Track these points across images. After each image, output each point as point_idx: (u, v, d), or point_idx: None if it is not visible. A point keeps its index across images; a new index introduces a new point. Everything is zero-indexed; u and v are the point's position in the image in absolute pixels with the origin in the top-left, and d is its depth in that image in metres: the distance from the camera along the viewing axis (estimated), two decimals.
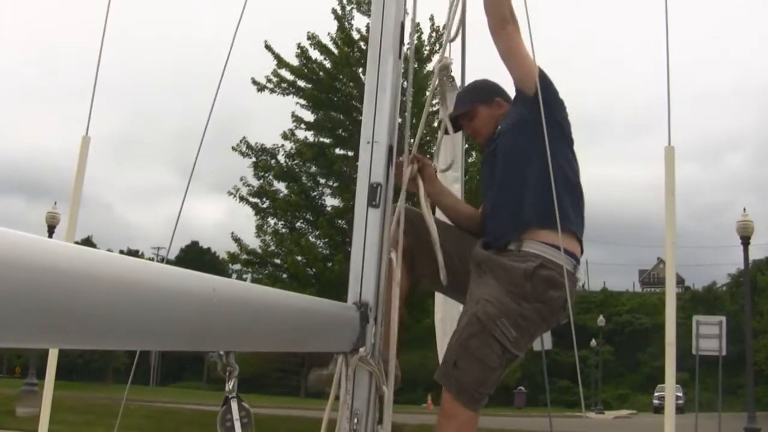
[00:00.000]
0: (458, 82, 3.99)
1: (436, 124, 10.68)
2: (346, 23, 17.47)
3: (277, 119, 18.29)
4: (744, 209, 21.20)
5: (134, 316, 1.16)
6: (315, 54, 17.57)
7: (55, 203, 23.19)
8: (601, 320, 51.26)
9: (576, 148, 3.04)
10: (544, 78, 2.95)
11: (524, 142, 2.92)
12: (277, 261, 17.71)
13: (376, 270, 2.30)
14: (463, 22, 3.13)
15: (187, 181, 3.73)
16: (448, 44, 2.99)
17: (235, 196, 17.49)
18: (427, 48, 17.27)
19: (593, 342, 50.23)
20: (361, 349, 2.15)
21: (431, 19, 16.98)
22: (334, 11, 17.51)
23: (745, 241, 20.62)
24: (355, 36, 17.33)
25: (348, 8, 17.51)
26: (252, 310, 1.52)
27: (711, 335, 17.99)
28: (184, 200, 3.70)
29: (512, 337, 2.69)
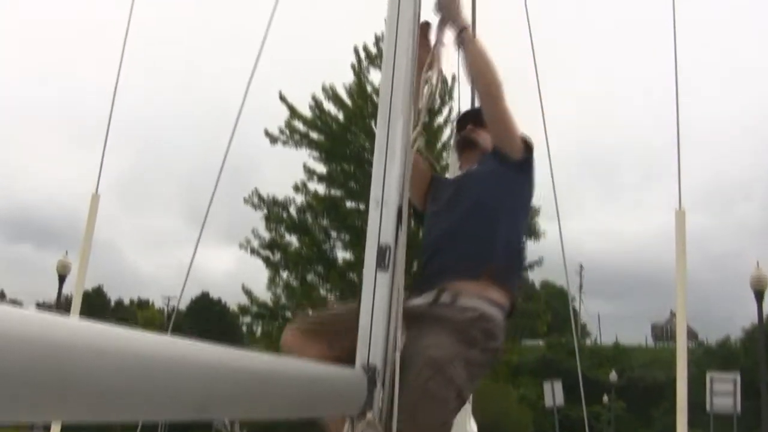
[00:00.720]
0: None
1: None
2: (362, 77, 17.63)
3: (290, 170, 18.40)
4: (758, 263, 21.03)
5: (139, 388, 1.15)
6: (329, 106, 17.72)
7: (66, 252, 23.30)
8: (613, 376, 50.65)
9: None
10: (530, 148, 3.02)
11: (495, 196, 2.97)
12: (288, 314, 17.66)
13: (384, 333, 2.28)
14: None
15: (199, 231, 3.74)
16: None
17: (246, 248, 17.53)
18: (438, 99, 17.41)
19: (605, 398, 49.60)
20: (369, 414, 2.12)
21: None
22: (352, 66, 17.68)
23: (759, 295, 20.43)
24: (369, 89, 17.49)
25: (365, 63, 17.69)
26: (258, 379, 1.51)
27: (725, 392, 17.75)
28: (195, 251, 3.70)
29: (464, 381, 2.68)
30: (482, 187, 3.00)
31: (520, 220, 3.05)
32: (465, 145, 3.29)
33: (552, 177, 3.81)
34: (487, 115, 2.99)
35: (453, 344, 2.69)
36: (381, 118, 2.45)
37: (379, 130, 2.44)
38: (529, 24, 3.30)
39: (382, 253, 2.33)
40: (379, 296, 2.30)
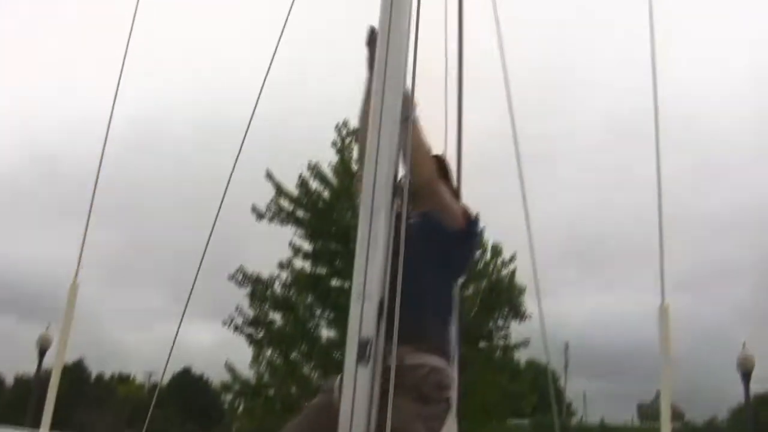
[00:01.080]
0: None
1: None
2: (345, 154, 17.75)
3: (275, 247, 18.37)
4: (744, 343, 20.99)
5: None
6: (315, 184, 17.78)
7: (48, 326, 23.06)
8: None
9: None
10: (473, 224, 3.27)
11: (435, 257, 3.12)
12: (271, 392, 17.43)
13: (365, 428, 2.25)
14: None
15: (183, 308, 3.71)
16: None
17: (229, 326, 17.36)
18: None
19: None
20: None
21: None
22: (334, 143, 17.83)
23: (746, 377, 20.34)
24: (355, 167, 17.58)
25: (347, 140, 17.82)
26: None
27: None
28: (179, 329, 3.66)
29: None
30: (426, 248, 3.06)
31: (452, 281, 3.33)
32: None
33: (533, 258, 3.82)
34: (431, 202, 3.14)
35: (409, 405, 2.75)
36: (363, 212, 2.45)
37: (361, 223, 2.44)
38: (512, 114, 3.33)
39: (362, 346, 2.31)
40: (359, 390, 2.27)
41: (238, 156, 3.87)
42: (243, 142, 3.85)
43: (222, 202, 3.74)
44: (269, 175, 17.60)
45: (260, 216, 17.52)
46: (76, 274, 3.27)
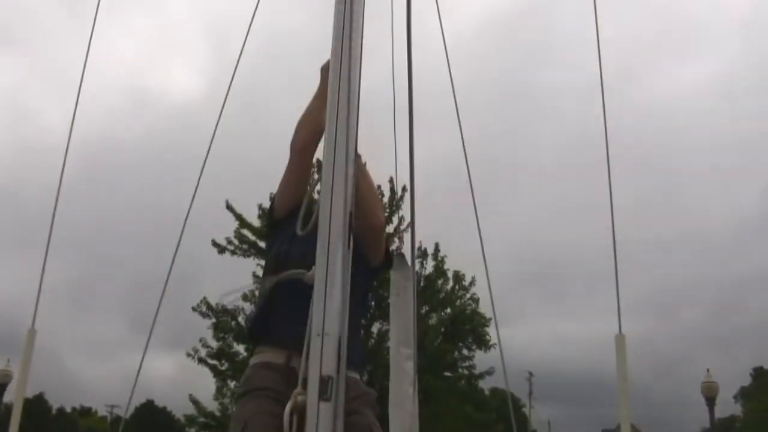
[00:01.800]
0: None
1: None
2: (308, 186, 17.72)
3: (238, 279, 18.27)
4: (708, 369, 21.20)
5: None
6: None
7: (8, 360, 22.75)
8: None
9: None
10: (390, 259, 3.46)
11: (360, 291, 3.16)
12: None
13: None
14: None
15: (147, 340, 3.69)
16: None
17: (194, 357, 17.21)
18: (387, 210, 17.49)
19: None
20: None
21: (390, 181, 17.09)
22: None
23: (710, 402, 20.54)
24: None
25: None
26: None
27: None
28: (142, 361, 3.63)
29: None
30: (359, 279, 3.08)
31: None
32: None
33: (490, 289, 3.85)
34: (375, 239, 3.26)
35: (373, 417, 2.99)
36: (320, 250, 2.45)
37: (318, 260, 2.44)
38: (463, 141, 3.38)
39: (324, 384, 2.30)
40: (322, 429, 2.26)
41: (197, 187, 3.86)
42: (201, 173, 3.84)
43: (182, 232, 3.73)
44: (229, 207, 17.54)
45: (221, 250, 17.43)
46: (34, 320, 3.23)
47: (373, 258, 3.29)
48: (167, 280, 3.62)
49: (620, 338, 2.95)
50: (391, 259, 3.49)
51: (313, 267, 2.50)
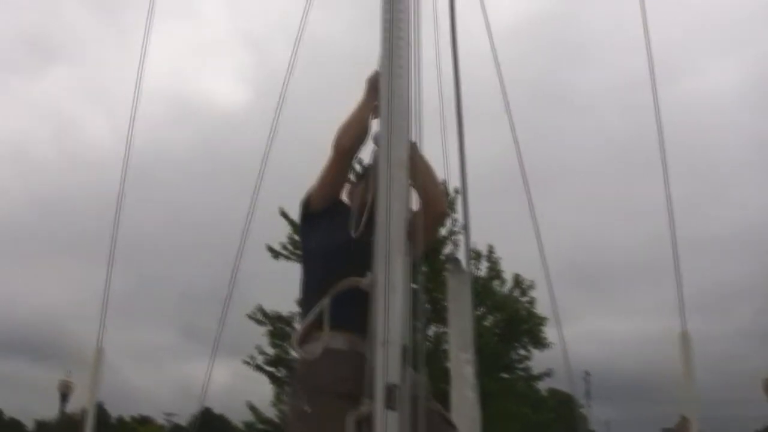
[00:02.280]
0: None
1: None
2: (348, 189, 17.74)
3: (293, 285, 18.31)
4: None
5: None
6: None
7: (70, 372, 23.20)
8: None
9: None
10: None
11: None
12: None
13: None
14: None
15: (213, 348, 3.72)
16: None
17: (251, 365, 17.33)
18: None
19: None
20: None
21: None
22: (349, 180, 17.83)
23: None
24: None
25: None
26: None
27: None
28: (210, 370, 3.65)
29: None
30: None
31: None
32: None
33: (550, 289, 3.83)
34: (437, 222, 3.33)
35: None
36: (379, 257, 2.47)
37: (378, 269, 2.45)
38: (516, 142, 3.37)
39: (389, 392, 2.31)
40: None
41: (255, 197, 3.89)
42: (259, 182, 3.87)
43: (243, 241, 3.77)
44: (284, 214, 17.62)
45: (276, 255, 17.52)
46: (100, 338, 3.29)
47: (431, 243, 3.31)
48: (231, 288, 3.66)
49: (685, 336, 2.91)
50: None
51: (369, 274, 2.53)
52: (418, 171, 3.10)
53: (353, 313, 2.86)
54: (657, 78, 3.70)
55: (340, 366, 2.93)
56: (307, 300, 3.26)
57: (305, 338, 3.06)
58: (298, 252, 18.02)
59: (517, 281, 18.33)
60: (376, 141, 2.94)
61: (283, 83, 3.77)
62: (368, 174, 3.16)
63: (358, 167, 4.09)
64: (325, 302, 2.92)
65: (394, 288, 2.41)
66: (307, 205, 3.50)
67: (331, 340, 2.96)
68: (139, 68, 4.07)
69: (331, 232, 3.30)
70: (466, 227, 3.34)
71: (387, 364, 2.34)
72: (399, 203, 2.53)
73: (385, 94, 2.70)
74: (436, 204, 3.24)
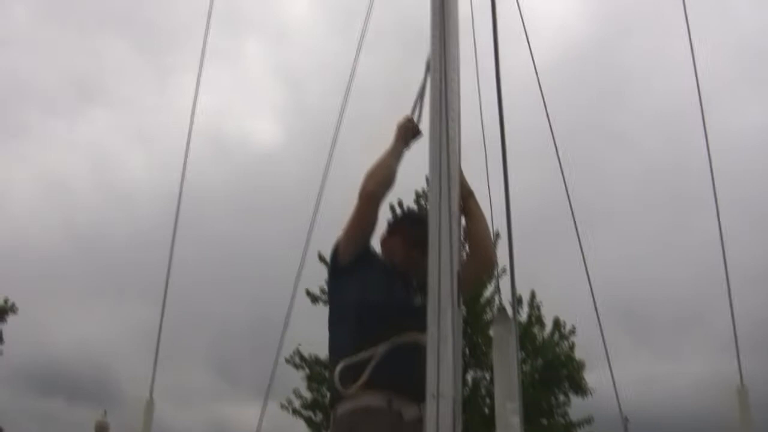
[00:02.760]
0: None
1: None
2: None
3: None
4: None
5: None
6: None
7: (105, 412, 23.31)
8: None
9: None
10: None
11: None
12: None
13: None
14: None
15: (265, 395, 3.71)
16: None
17: (287, 408, 17.25)
18: None
19: None
20: None
21: None
22: (388, 222, 17.81)
23: None
24: None
25: None
26: None
27: None
28: (263, 414, 3.63)
29: None
30: None
31: None
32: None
33: (601, 329, 3.79)
34: (480, 275, 3.33)
35: None
36: (431, 310, 2.45)
37: (430, 321, 2.43)
38: (565, 184, 3.34)
39: None
40: None
41: (307, 243, 3.91)
42: (313, 220, 3.90)
43: (297, 284, 3.80)
44: (321, 258, 17.63)
45: (314, 299, 17.51)
46: (152, 391, 3.31)
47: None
48: (284, 334, 3.68)
49: (743, 391, 2.84)
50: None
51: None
52: (472, 218, 3.09)
53: (393, 369, 2.84)
54: (705, 108, 3.67)
55: (378, 424, 2.90)
56: (336, 355, 3.23)
57: (341, 394, 3.04)
58: None
59: (558, 325, 18.12)
60: (425, 193, 2.96)
61: (335, 129, 3.80)
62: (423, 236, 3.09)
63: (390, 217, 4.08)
64: (373, 362, 2.91)
65: (446, 341, 2.39)
66: (335, 257, 3.47)
67: (370, 397, 2.94)
68: (192, 110, 4.12)
69: (364, 289, 3.30)
70: (511, 275, 3.29)
71: (438, 418, 2.31)
72: (451, 255, 2.52)
73: (436, 141, 2.68)
74: (487, 253, 3.22)
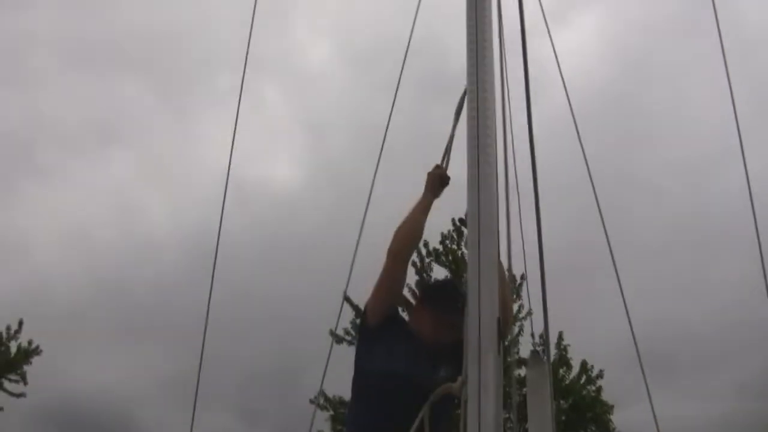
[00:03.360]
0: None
1: None
2: (425, 274, 17.75)
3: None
4: None
5: None
6: None
7: None
8: None
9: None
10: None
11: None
12: None
13: None
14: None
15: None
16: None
17: None
18: None
19: None
20: None
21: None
22: (414, 264, 17.86)
23: None
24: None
25: (427, 260, 17.87)
26: None
27: None
28: None
29: None
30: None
31: None
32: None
33: (641, 364, 3.79)
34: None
35: None
36: (471, 356, 2.45)
37: (470, 368, 2.43)
38: (601, 217, 3.36)
39: None
40: None
41: (347, 285, 3.94)
42: (351, 273, 3.92)
43: (339, 321, 3.82)
44: (347, 299, 17.65)
45: (339, 340, 17.47)
46: None
47: None
48: (325, 373, 3.69)
49: None
50: None
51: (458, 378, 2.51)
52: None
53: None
54: (730, 155, 3.69)
55: None
56: (358, 414, 3.23)
57: None
58: None
59: (585, 368, 18.00)
60: (465, 241, 2.98)
61: (372, 180, 3.84)
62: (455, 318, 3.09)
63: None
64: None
65: (486, 387, 2.38)
66: (364, 319, 3.46)
67: None
68: (230, 158, 4.17)
69: (390, 359, 3.31)
70: (545, 319, 3.30)
71: None
72: (488, 300, 2.52)
73: (474, 193, 2.70)
74: (506, 310, 3.19)
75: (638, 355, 3.60)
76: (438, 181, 3.47)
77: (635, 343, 3.58)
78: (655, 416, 3.59)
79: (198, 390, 3.29)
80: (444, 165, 3.59)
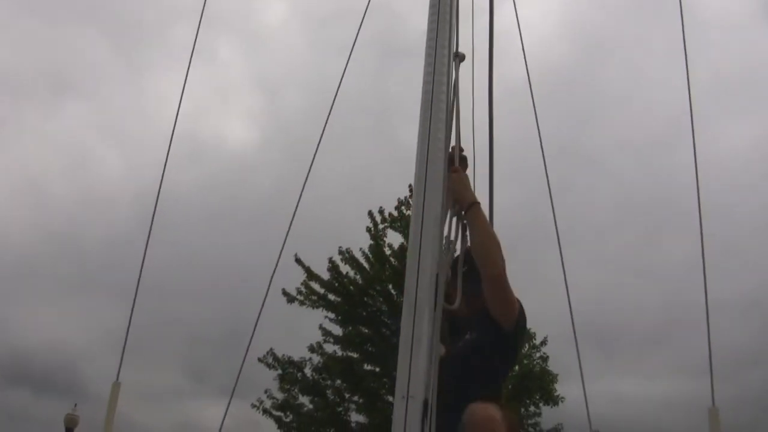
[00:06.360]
0: None
1: None
2: (379, 240, 17.76)
3: (305, 331, 18.23)
4: None
5: None
6: (346, 268, 17.76)
7: (75, 405, 23.19)
8: None
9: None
10: (523, 318, 3.26)
11: (483, 363, 3.16)
12: None
13: None
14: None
15: (230, 395, 3.67)
16: None
17: (258, 408, 17.18)
18: None
19: None
20: None
21: None
22: (368, 229, 17.87)
23: None
24: (387, 252, 17.59)
25: (381, 226, 17.88)
26: None
27: None
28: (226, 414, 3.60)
29: None
30: (479, 355, 3.17)
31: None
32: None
33: (576, 341, 3.80)
34: (487, 291, 3.12)
35: None
36: (406, 310, 2.44)
37: (404, 323, 2.42)
38: (550, 193, 3.35)
39: None
40: None
41: (284, 244, 3.89)
42: (291, 226, 3.89)
43: (270, 285, 3.78)
44: (298, 260, 17.62)
45: (291, 299, 17.48)
46: (119, 373, 3.29)
47: (502, 320, 3.15)
48: (252, 335, 3.66)
49: (714, 412, 2.84)
50: (523, 319, 3.30)
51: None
52: (471, 228, 3.02)
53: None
54: (681, 136, 3.70)
55: None
56: None
57: None
58: (312, 297, 18.12)
59: (530, 336, 18.18)
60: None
61: (321, 133, 3.79)
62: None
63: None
64: None
65: (420, 341, 2.37)
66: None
67: None
68: (176, 112, 4.10)
69: None
70: None
71: (407, 419, 2.30)
72: (428, 255, 2.50)
73: (421, 146, 2.68)
74: (486, 265, 3.08)
75: (574, 331, 3.62)
76: (463, 176, 3.32)
77: (572, 319, 3.60)
78: (586, 394, 3.62)
79: (126, 343, 3.25)
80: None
